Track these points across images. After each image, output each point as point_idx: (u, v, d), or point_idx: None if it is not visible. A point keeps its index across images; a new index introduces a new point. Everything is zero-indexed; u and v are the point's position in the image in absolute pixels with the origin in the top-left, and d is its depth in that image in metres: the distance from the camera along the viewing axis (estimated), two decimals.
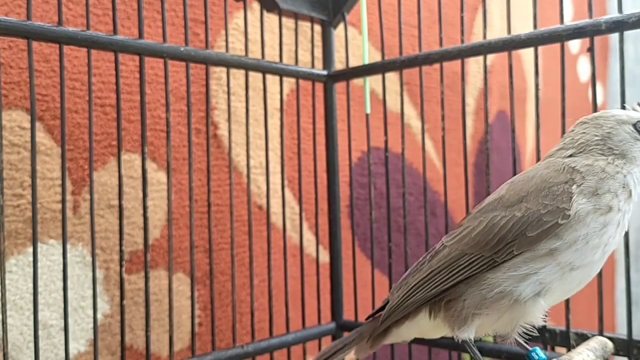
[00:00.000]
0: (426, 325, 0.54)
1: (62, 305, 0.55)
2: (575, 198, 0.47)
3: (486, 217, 0.50)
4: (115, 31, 0.59)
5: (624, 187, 0.49)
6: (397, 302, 0.54)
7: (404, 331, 0.56)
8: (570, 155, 0.51)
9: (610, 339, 0.57)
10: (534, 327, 0.50)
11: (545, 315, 0.51)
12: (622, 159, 0.49)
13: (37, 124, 0.64)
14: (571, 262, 0.47)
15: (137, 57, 0.62)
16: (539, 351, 0.52)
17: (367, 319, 0.62)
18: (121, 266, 0.59)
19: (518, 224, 0.48)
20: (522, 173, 0.53)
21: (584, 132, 0.51)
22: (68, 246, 0.65)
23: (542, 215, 0.47)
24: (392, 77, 0.88)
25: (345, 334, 0.79)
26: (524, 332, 0.50)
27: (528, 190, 0.49)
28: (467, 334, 0.50)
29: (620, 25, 0.57)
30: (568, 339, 0.61)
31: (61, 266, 0.56)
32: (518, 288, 0.47)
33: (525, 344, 0.52)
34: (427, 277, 0.51)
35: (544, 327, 0.61)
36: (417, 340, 0.70)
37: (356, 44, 0.95)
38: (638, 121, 0.50)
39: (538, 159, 0.63)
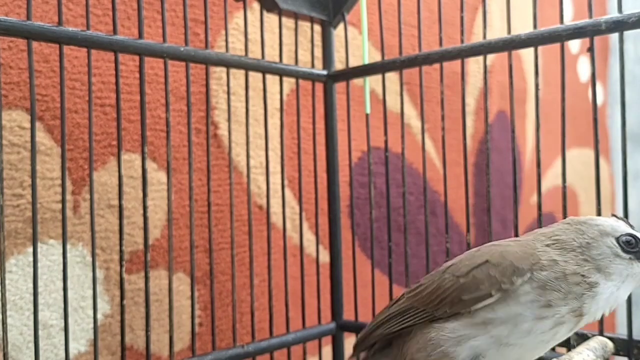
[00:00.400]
0: None
1: (62, 305, 0.55)
2: (520, 281, 0.47)
3: (440, 278, 0.52)
4: (115, 31, 0.59)
5: (577, 298, 0.47)
6: (364, 332, 0.58)
7: None
8: (547, 245, 0.50)
9: (610, 339, 0.57)
10: None
11: None
12: (597, 272, 0.48)
13: (37, 124, 0.64)
14: (504, 337, 0.48)
15: (137, 57, 0.62)
16: None
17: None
18: (121, 266, 0.59)
19: (459, 289, 0.50)
20: (496, 242, 0.52)
21: (564, 232, 0.50)
22: (68, 246, 0.65)
23: (481, 284, 0.48)
24: (392, 77, 0.88)
25: (346, 334, 0.79)
26: None
27: (485, 259, 0.49)
28: None
29: (620, 25, 0.57)
30: (568, 339, 0.60)
31: (61, 266, 0.56)
32: (456, 350, 0.49)
33: None
34: (384, 319, 0.56)
35: None
36: None
37: (356, 44, 0.95)
38: (622, 235, 0.48)
39: (538, 159, 0.63)
